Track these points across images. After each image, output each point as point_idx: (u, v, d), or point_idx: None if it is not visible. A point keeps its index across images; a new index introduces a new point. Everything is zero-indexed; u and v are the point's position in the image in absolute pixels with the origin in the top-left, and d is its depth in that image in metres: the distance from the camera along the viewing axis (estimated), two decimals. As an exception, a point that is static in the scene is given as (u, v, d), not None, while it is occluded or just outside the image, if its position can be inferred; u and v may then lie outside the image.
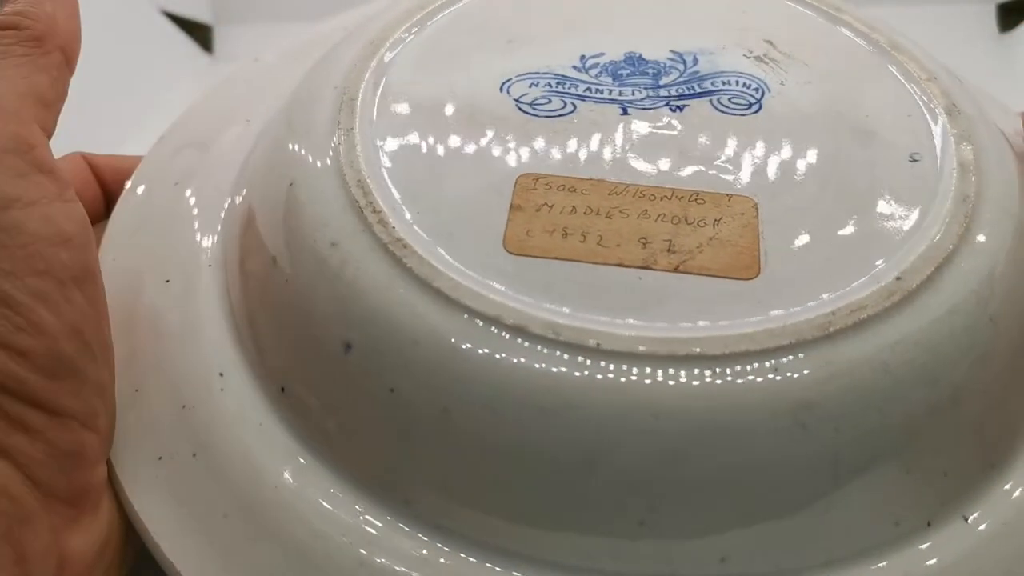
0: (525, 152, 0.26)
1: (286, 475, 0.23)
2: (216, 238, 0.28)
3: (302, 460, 0.23)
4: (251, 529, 0.23)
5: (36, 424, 0.22)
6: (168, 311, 0.27)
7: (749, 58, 0.29)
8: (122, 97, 0.28)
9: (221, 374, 0.25)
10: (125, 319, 0.27)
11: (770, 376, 0.21)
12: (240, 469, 0.23)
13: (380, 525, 0.22)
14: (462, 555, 0.22)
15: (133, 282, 0.28)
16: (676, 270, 0.23)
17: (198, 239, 0.28)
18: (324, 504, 0.23)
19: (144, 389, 0.26)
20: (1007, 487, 0.23)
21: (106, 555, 0.24)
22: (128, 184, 0.31)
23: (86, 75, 0.30)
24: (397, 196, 0.24)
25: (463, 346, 0.21)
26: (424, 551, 0.22)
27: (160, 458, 0.24)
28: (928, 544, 0.22)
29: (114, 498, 0.24)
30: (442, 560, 0.22)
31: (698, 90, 0.28)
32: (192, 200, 0.30)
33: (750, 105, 0.27)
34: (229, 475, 0.23)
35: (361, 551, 0.22)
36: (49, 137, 0.24)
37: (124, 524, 0.24)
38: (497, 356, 0.21)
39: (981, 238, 0.24)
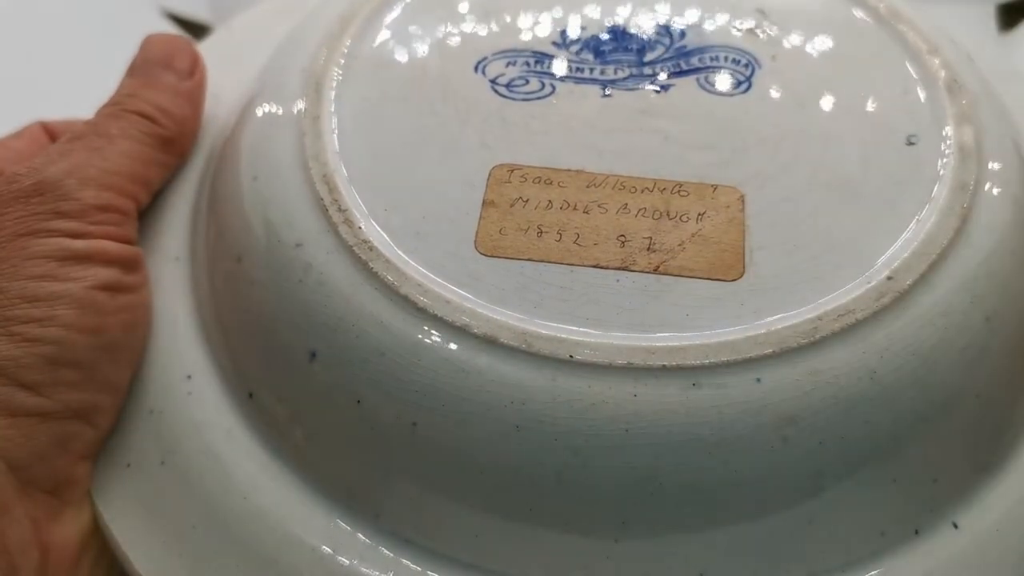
0: (500, 140, 0.24)
1: (255, 485, 0.22)
2: (184, 230, 0.27)
3: (271, 469, 0.23)
4: (220, 541, 0.22)
5: (24, 406, 0.21)
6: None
7: (740, 31, 0.27)
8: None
9: (189, 376, 0.24)
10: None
11: (752, 388, 0.20)
12: (208, 478, 0.23)
13: (350, 539, 0.22)
14: (432, 572, 0.21)
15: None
16: (656, 271, 0.22)
17: (166, 231, 0.27)
18: (294, 516, 0.22)
19: (112, 390, 0.25)
20: (1000, 489, 0.23)
21: (92, 547, 0.23)
22: None
23: (86, 75, 0.29)
24: (365, 191, 0.23)
25: (431, 358, 0.21)
26: (394, 567, 0.21)
27: (128, 465, 0.24)
28: (915, 553, 0.21)
29: None
30: (413, 576, 0.21)
31: (684, 68, 0.26)
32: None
33: (739, 84, 0.26)
34: (197, 484, 0.23)
35: (329, 566, 0.21)
36: (140, 207, 0.26)
37: None
38: (466, 369, 0.20)
39: (979, 231, 0.22)
